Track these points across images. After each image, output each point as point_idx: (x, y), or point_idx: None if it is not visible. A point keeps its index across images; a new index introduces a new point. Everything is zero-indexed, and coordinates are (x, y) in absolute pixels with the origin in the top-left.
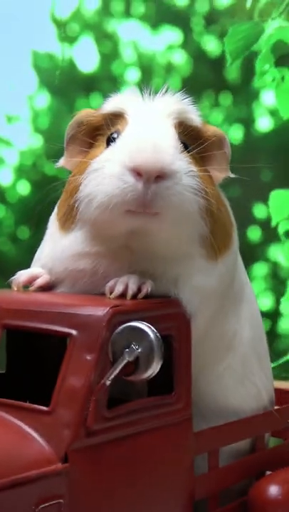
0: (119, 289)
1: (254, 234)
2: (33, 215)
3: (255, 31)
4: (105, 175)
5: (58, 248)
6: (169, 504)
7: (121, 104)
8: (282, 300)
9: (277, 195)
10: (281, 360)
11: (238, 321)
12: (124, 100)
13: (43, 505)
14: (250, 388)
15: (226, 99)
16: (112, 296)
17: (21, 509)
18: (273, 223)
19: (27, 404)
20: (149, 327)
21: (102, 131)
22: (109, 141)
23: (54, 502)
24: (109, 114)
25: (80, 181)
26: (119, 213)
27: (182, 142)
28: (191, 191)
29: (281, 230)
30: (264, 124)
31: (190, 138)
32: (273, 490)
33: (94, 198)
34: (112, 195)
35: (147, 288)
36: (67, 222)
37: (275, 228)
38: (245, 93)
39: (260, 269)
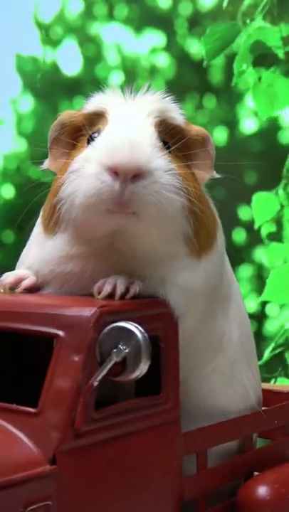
0: (107, 289)
1: (239, 236)
2: (19, 218)
3: (232, 31)
4: (84, 175)
5: (44, 250)
6: (157, 505)
7: (102, 104)
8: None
9: (259, 198)
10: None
11: (227, 321)
12: (106, 100)
13: (31, 508)
14: (238, 388)
15: (209, 101)
16: (100, 296)
17: (9, 511)
18: (256, 226)
19: (14, 406)
20: (137, 327)
21: (84, 132)
22: (91, 141)
23: (42, 504)
24: (91, 114)
25: (61, 182)
26: (98, 213)
27: (163, 141)
28: (170, 190)
29: (264, 233)
30: (248, 125)
31: (172, 137)
32: (262, 490)
33: (74, 199)
34: (90, 195)
35: (135, 288)
36: (51, 223)
37: (259, 231)
38: (228, 95)
39: (246, 271)
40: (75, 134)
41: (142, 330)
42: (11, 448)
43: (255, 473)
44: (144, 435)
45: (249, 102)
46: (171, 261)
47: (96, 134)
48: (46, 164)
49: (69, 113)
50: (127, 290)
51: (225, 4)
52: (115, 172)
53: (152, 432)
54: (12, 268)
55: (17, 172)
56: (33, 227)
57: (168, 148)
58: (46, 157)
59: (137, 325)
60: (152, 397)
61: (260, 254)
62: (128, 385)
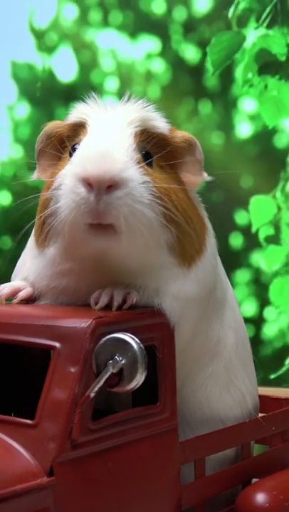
0: (104, 300)
1: (236, 240)
2: (15, 226)
3: (237, 40)
4: (63, 190)
5: (37, 265)
6: None
7: (83, 114)
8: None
9: (257, 201)
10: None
11: (222, 327)
12: (87, 110)
13: None
14: (234, 394)
15: (205, 106)
16: (97, 307)
17: None
18: (254, 229)
19: (11, 418)
20: (133, 338)
21: (69, 142)
22: (72, 152)
23: None
24: (74, 125)
25: (46, 198)
26: (80, 228)
27: (145, 151)
28: (142, 202)
29: (261, 236)
30: (243, 130)
31: (154, 146)
32: (260, 497)
33: (57, 215)
34: (69, 209)
35: (132, 299)
36: (41, 238)
37: (256, 234)
38: (224, 100)
39: (243, 275)
40: (61, 145)
41: (138, 341)
42: (8, 460)
43: (254, 480)
44: (142, 445)
45: (245, 106)
46: (161, 272)
47: (77, 146)
48: (35, 175)
49: (54, 124)
50: (123, 301)
51: (230, 14)
52: (89, 184)
53: (150, 442)
54: (10, 274)
55: (14, 179)
56: (29, 235)
57: (149, 157)
58: None
59: (132, 336)
60: (149, 407)
61: (258, 258)
62: (125, 395)
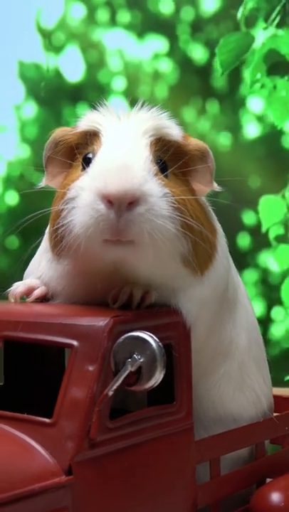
0: (123, 298)
1: (243, 241)
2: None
3: (246, 41)
4: (80, 204)
5: (53, 271)
6: None
7: (95, 123)
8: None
9: (266, 201)
10: None
11: (234, 327)
12: (99, 118)
13: None
14: (248, 394)
15: (213, 106)
16: (116, 305)
17: None
18: (264, 229)
19: (29, 417)
20: (151, 336)
21: (79, 150)
22: (85, 161)
23: None
24: (85, 133)
25: (60, 209)
26: (96, 243)
27: (160, 160)
28: (164, 216)
29: (272, 236)
30: (251, 130)
31: (169, 154)
32: (275, 497)
33: (72, 229)
34: (86, 225)
35: (151, 297)
36: (55, 246)
37: (265, 234)
38: (232, 100)
39: (251, 275)
40: (71, 152)
41: (157, 339)
42: (26, 459)
43: (268, 479)
44: (158, 444)
45: (253, 106)
46: (176, 280)
47: (90, 155)
48: (44, 182)
49: (63, 130)
50: (142, 299)
51: (239, 15)
52: (109, 201)
53: (166, 441)
54: (17, 274)
55: (21, 178)
56: (40, 235)
57: (165, 166)
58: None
59: (151, 334)
60: (166, 406)
61: (265, 258)
62: (140, 394)
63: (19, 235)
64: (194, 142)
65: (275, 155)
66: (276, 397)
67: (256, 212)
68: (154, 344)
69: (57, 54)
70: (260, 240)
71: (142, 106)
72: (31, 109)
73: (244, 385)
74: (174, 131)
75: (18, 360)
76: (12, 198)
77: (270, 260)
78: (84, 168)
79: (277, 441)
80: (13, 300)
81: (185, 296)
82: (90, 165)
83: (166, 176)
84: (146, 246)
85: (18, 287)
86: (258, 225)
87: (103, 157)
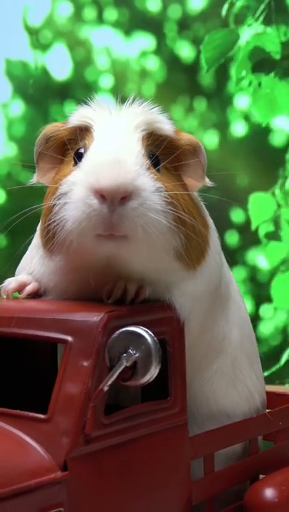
0: (117, 294)
1: (232, 238)
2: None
3: (231, 38)
4: (72, 199)
5: (45, 267)
6: (168, 509)
7: (87, 118)
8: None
9: (256, 198)
10: (274, 368)
11: (227, 323)
12: (90, 113)
13: None
14: (241, 390)
15: (200, 104)
16: (110, 301)
17: None
18: (253, 226)
19: (24, 413)
20: (147, 331)
21: (70, 145)
22: (76, 156)
23: (55, 510)
24: (76, 128)
25: (51, 204)
26: (89, 238)
27: (152, 154)
28: (157, 210)
29: (262, 233)
30: (239, 128)
31: (161, 148)
32: (269, 493)
33: (64, 224)
34: (79, 220)
35: (145, 293)
36: (47, 242)
37: (255, 231)
38: (219, 98)
39: (239, 273)
40: (62, 148)
41: (152, 334)
42: (21, 454)
43: (261, 476)
44: (153, 439)
45: (240, 104)
46: (168, 275)
47: (82, 150)
48: (35, 178)
49: (54, 126)
50: (136, 294)
51: (224, 12)
52: (102, 195)
53: (161, 436)
54: (5, 272)
55: (8, 177)
56: (28, 233)
57: (157, 160)
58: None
59: (146, 329)
60: (160, 402)
61: (254, 256)
62: (134, 389)
63: (7, 233)
64: (186, 137)
65: (263, 152)
66: (269, 394)
67: (244, 209)
68: (149, 339)
69: (44, 52)
70: (249, 238)
71: (133, 101)
72: (18, 107)
73: (237, 380)
74: (166, 126)
75: (9, 356)
76: None
77: (259, 258)
78: (76, 163)
79: (270, 438)
80: (5, 296)
81: (178, 291)
82: (82, 160)
83: (158, 171)
84: (140, 240)
85: (10, 283)
86: (247, 222)
87: (95, 152)
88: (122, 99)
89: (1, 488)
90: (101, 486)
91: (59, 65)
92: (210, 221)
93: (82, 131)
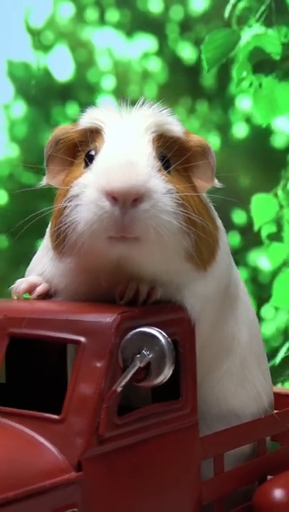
0: (129, 295)
1: (233, 239)
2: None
3: (232, 38)
4: (84, 201)
5: (56, 269)
6: (179, 509)
7: (97, 120)
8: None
9: (258, 200)
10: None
11: (236, 323)
12: (101, 115)
13: None
14: (250, 390)
15: (202, 105)
16: (123, 302)
17: None
18: (256, 227)
19: (38, 414)
20: (160, 332)
21: (81, 147)
22: (87, 159)
23: (70, 511)
24: (86, 130)
25: (63, 206)
26: (101, 240)
27: (163, 156)
28: (169, 212)
29: (264, 234)
30: (241, 130)
31: (171, 150)
32: (278, 493)
33: (76, 226)
34: (91, 222)
35: (157, 294)
36: (58, 245)
37: (257, 232)
38: (221, 99)
39: (241, 274)
40: (72, 150)
41: (165, 335)
42: (36, 455)
43: (269, 476)
44: (164, 440)
45: (242, 106)
46: (179, 276)
47: (93, 152)
48: (45, 181)
49: (63, 128)
50: (148, 295)
51: (226, 13)
52: (114, 197)
53: (172, 437)
54: (6, 274)
55: (10, 178)
56: (33, 235)
57: (168, 162)
58: (39, 163)
59: (160, 330)
60: (172, 402)
61: (255, 257)
62: (145, 390)
63: (10, 234)
64: (196, 138)
65: (265, 154)
66: (276, 395)
67: (246, 211)
68: (163, 340)
69: (46, 53)
70: (251, 239)
71: (142, 103)
72: (20, 109)
73: (246, 381)
74: (176, 128)
75: (18, 357)
76: (1, 197)
77: (260, 259)
78: (86, 166)
79: (277, 439)
80: (16, 297)
81: (189, 292)
82: (93, 162)
83: (168, 173)
84: (152, 242)
85: (20, 284)
86: (249, 223)
87: (106, 154)
88: (125, 101)
89: (16, 489)
90: (114, 487)
91: (61, 66)
92: (219, 222)
93: (93, 134)
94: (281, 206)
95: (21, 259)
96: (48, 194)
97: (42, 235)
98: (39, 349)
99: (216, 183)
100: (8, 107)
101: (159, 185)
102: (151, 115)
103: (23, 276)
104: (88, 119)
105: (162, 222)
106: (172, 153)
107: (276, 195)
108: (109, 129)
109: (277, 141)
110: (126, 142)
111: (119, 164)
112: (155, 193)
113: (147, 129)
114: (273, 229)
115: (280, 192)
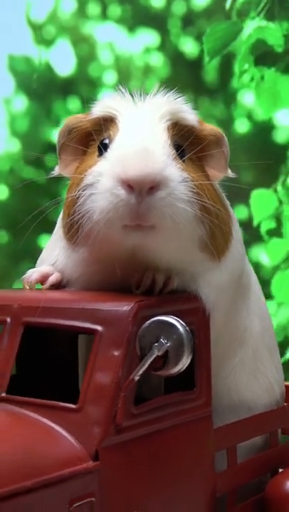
0: (146, 284)
1: None
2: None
3: (233, 30)
4: (99, 190)
5: (68, 259)
6: (193, 500)
7: (111, 109)
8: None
9: (258, 195)
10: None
11: (248, 314)
12: (114, 104)
13: (76, 504)
14: (262, 381)
15: (204, 100)
16: (139, 291)
17: (56, 508)
18: (255, 223)
19: (54, 403)
20: (178, 321)
21: (94, 137)
22: (101, 147)
23: (87, 500)
24: (100, 119)
25: (76, 195)
26: (116, 229)
27: (177, 144)
28: (184, 200)
29: (263, 230)
30: (243, 124)
31: (186, 138)
32: None
33: (91, 215)
34: (106, 210)
35: (173, 283)
36: (71, 234)
37: (257, 228)
38: (223, 94)
39: None
40: (85, 139)
41: (184, 323)
42: (54, 445)
43: (280, 469)
44: (179, 430)
45: (244, 100)
46: (194, 265)
47: (107, 140)
48: (57, 171)
49: (76, 117)
50: (164, 284)
51: (227, 5)
52: (129, 186)
53: (186, 428)
54: (7, 268)
55: (11, 173)
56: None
57: (182, 151)
58: (40, 158)
59: (178, 318)
60: (186, 393)
61: (256, 252)
62: (157, 380)
63: (9, 229)
64: (209, 127)
65: (265, 149)
66: (286, 387)
67: (247, 206)
68: (181, 328)
69: (47, 47)
70: (251, 235)
71: (157, 91)
72: (21, 103)
73: (258, 372)
74: (190, 116)
75: (28, 347)
76: (2, 192)
77: (261, 254)
78: (100, 154)
79: (287, 432)
80: (28, 287)
81: (204, 282)
82: (108, 150)
83: (183, 161)
84: (168, 230)
85: (32, 274)
86: (249, 219)
87: (122, 142)
88: (140, 94)
89: (33, 477)
90: (131, 476)
91: (62, 61)
92: (231, 211)
93: (107, 122)
94: (281, 202)
95: (22, 255)
96: (48, 189)
97: (43, 230)
98: (49, 338)
99: (230, 173)
100: (9, 102)
101: (174, 173)
102: (165, 103)
103: (23, 272)
104: (101, 107)
105: (178, 210)
106: (186, 142)
107: (276, 190)
108: (123, 118)
109: (279, 137)
110: (141, 130)
111: (134, 152)
112: (171, 181)
113: (162, 117)
114: (273, 225)
115: (279, 188)
